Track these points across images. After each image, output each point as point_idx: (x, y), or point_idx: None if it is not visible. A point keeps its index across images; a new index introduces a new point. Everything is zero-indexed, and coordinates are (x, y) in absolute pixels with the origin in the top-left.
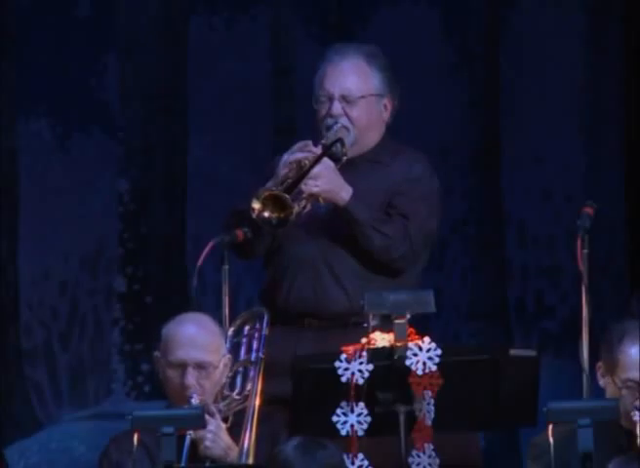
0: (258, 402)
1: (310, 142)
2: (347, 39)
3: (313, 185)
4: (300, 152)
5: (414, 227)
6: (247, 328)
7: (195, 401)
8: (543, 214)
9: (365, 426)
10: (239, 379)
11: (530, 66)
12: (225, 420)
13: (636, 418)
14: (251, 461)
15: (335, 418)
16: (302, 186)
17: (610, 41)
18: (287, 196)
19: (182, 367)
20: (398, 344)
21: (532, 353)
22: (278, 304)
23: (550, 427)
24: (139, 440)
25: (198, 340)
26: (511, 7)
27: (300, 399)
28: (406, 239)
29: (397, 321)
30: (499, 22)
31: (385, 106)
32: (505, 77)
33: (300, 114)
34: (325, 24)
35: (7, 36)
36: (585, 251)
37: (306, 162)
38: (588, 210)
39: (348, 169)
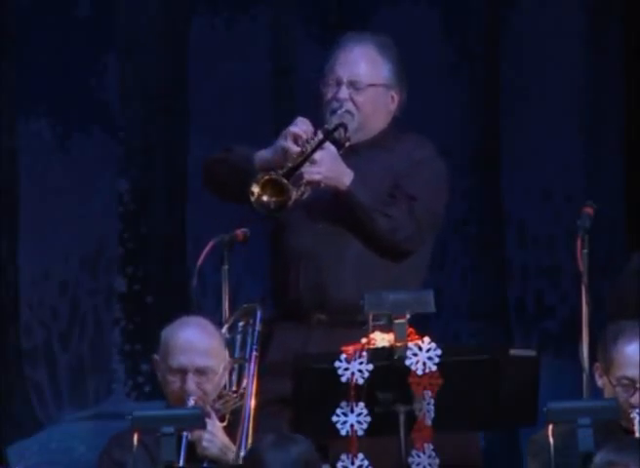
0: (253, 400)
1: (306, 120)
2: None
3: (315, 172)
4: (295, 142)
5: (420, 207)
6: (241, 324)
7: (191, 402)
8: (543, 214)
9: (365, 426)
10: (234, 377)
11: (530, 66)
12: (222, 419)
13: (633, 416)
14: None
15: (335, 418)
16: (303, 173)
17: (610, 41)
18: (285, 181)
19: (183, 372)
20: (398, 344)
21: (532, 353)
22: (289, 300)
23: (550, 427)
24: (139, 439)
25: (199, 345)
26: (511, 7)
27: (301, 398)
28: (412, 220)
29: (397, 321)
30: (499, 22)
31: (393, 98)
32: (505, 77)
33: (301, 114)
34: (325, 24)
35: (7, 36)
36: (585, 251)
37: (308, 146)
38: (588, 210)
39: (351, 154)
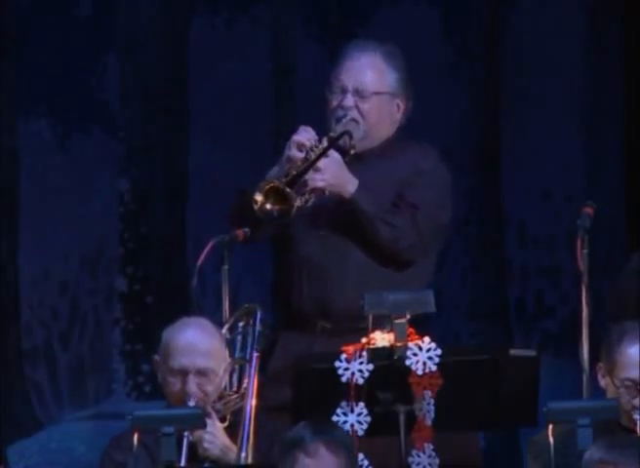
0: (254, 400)
1: (309, 128)
2: (347, 39)
3: (319, 179)
4: (299, 151)
5: (423, 217)
6: (241, 324)
7: (192, 404)
8: (543, 214)
9: (365, 426)
10: (235, 377)
11: (530, 66)
12: (223, 419)
13: (636, 417)
14: (250, 460)
15: (335, 418)
16: (308, 180)
17: (610, 41)
18: (288, 189)
19: (184, 373)
20: (398, 344)
21: (532, 353)
22: (293, 306)
23: (550, 427)
24: (139, 439)
25: (200, 346)
26: (511, 7)
27: (301, 399)
28: (414, 229)
29: (397, 321)
30: (499, 22)
31: (398, 106)
32: (505, 77)
33: (301, 114)
34: (325, 24)
35: (7, 36)
36: (585, 251)
37: (312, 153)
38: (588, 210)
39: (356, 162)
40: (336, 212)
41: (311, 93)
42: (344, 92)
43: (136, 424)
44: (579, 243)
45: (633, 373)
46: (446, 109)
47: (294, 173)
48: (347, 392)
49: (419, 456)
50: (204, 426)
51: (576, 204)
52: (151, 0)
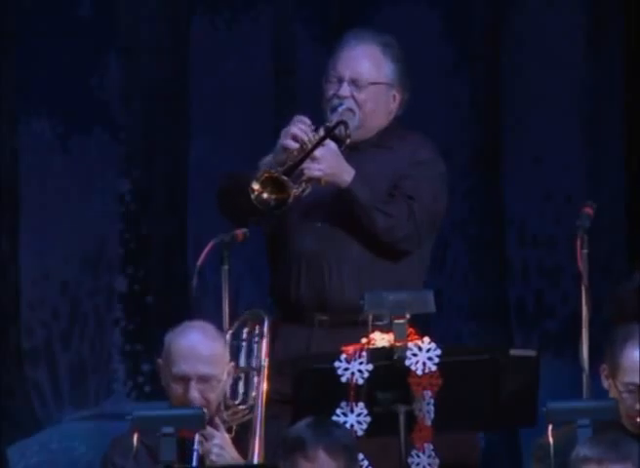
0: (263, 411)
1: (305, 118)
2: None
3: (315, 169)
4: (294, 141)
5: (418, 208)
6: (246, 330)
7: None
8: (544, 214)
9: (365, 426)
10: (240, 386)
11: (530, 66)
12: (229, 430)
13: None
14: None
15: (335, 418)
16: (304, 169)
17: (610, 41)
18: (286, 178)
19: (186, 380)
20: (398, 344)
21: (532, 353)
22: (290, 301)
23: (550, 427)
24: (140, 440)
25: (202, 352)
26: (511, 7)
27: (301, 399)
28: (410, 219)
29: (397, 321)
30: (499, 22)
31: (394, 97)
32: (505, 77)
33: (302, 114)
34: (326, 24)
35: (7, 36)
36: (585, 251)
37: (308, 144)
38: (588, 210)
39: (353, 152)
40: (332, 203)
41: (312, 93)
42: (341, 81)
43: (136, 425)
44: (578, 243)
45: (637, 378)
46: (446, 109)
47: (290, 162)
48: (347, 392)
49: (418, 456)
50: (204, 427)
51: (576, 204)
52: (151, 0)
